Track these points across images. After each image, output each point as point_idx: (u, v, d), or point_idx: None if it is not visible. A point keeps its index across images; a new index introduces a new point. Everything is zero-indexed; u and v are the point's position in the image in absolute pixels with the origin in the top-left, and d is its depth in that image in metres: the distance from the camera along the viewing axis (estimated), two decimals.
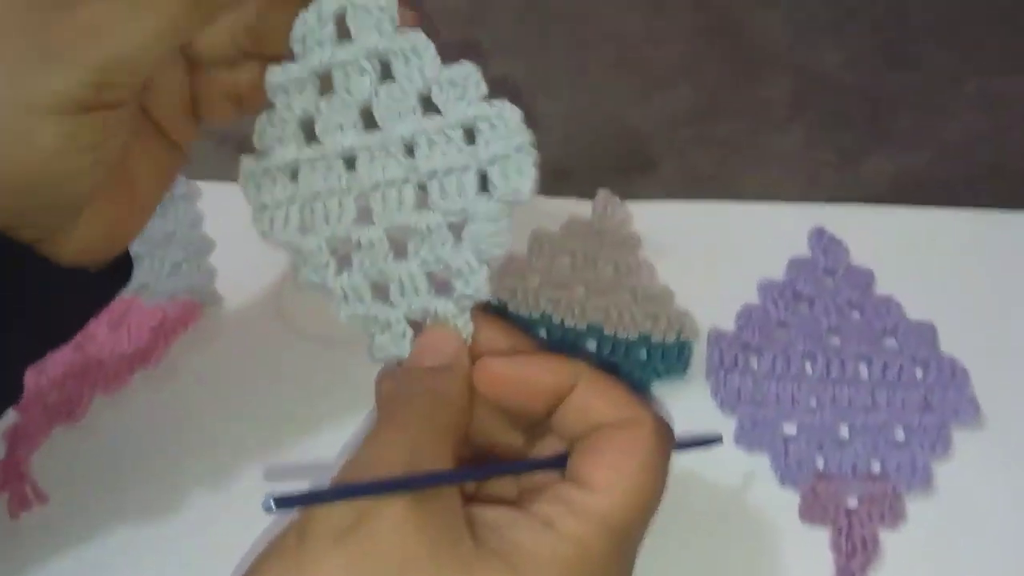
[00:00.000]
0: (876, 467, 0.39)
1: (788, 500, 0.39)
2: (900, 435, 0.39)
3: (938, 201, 0.44)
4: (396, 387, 0.31)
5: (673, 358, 0.41)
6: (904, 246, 0.43)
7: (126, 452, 0.39)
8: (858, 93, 0.47)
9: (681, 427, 0.40)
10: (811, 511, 0.38)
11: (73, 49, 0.27)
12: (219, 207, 0.46)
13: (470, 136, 0.31)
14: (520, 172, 0.30)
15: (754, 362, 0.41)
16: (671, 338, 0.41)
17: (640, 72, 0.48)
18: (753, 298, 0.42)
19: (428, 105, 0.31)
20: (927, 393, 0.40)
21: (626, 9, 0.49)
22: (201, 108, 0.33)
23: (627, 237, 0.44)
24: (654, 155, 0.46)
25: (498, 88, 0.38)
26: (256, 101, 0.32)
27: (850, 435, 0.40)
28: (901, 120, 0.47)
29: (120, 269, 0.33)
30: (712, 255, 0.43)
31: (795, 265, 0.43)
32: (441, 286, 0.32)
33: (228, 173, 0.33)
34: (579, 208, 0.44)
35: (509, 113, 0.30)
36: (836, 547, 0.38)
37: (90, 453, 0.38)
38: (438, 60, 0.30)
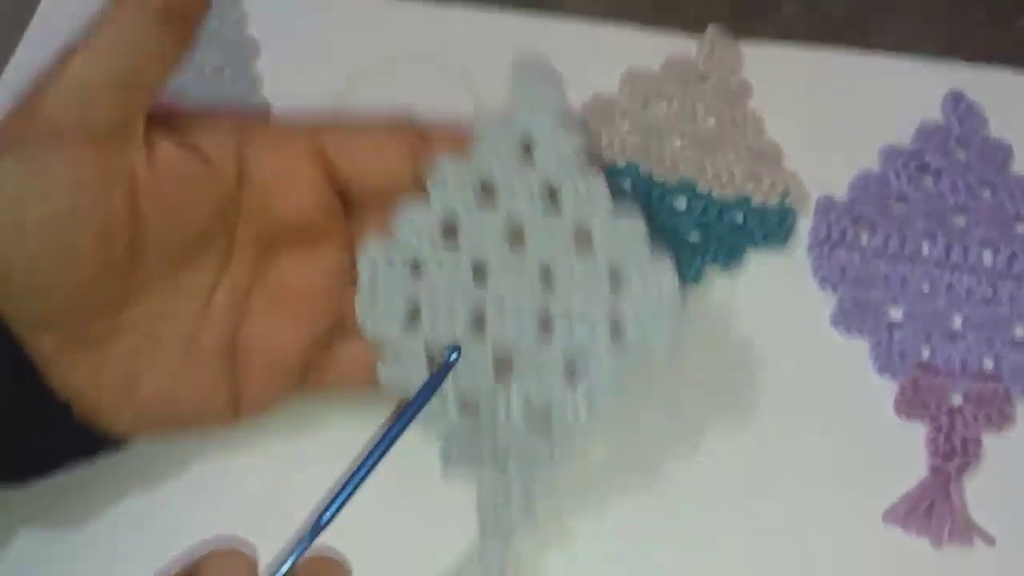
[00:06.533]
0: (988, 364, 0.35)
1: (884, 390, 0.35)
2: (1020, 333, 0.35)
3: None
4: None
5: (773, 225, 0.37)
6: None
7: None
8: None
9: (775, 303, 0.37)
10: (909, 404, 0.35)
11: None
12: (266, 6, 0.41)
13: (615, 278, 0.28)
14: (661, 336, 0.28)
15: (864, 237, 0.37)
16: (773, 202, 0.37)
17: None
18: (872, 165, 0.38)
19: (580, 238, 0.29)
20: None
21: None
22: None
23: (736, 84, 0.38)
24: None
25: None
26: None
27: (963, 327, 0.36)
28: None
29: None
30: (831, 112, 0.38)
31: (925, 132, 0.38)
32: (538, 422, 0.29)
33: None
34: (683, 46, 0.39)
35: (667, 278, 0.28)
36: (932, 446, 0.34)
37: None
38: (610, 205, 0.28)
